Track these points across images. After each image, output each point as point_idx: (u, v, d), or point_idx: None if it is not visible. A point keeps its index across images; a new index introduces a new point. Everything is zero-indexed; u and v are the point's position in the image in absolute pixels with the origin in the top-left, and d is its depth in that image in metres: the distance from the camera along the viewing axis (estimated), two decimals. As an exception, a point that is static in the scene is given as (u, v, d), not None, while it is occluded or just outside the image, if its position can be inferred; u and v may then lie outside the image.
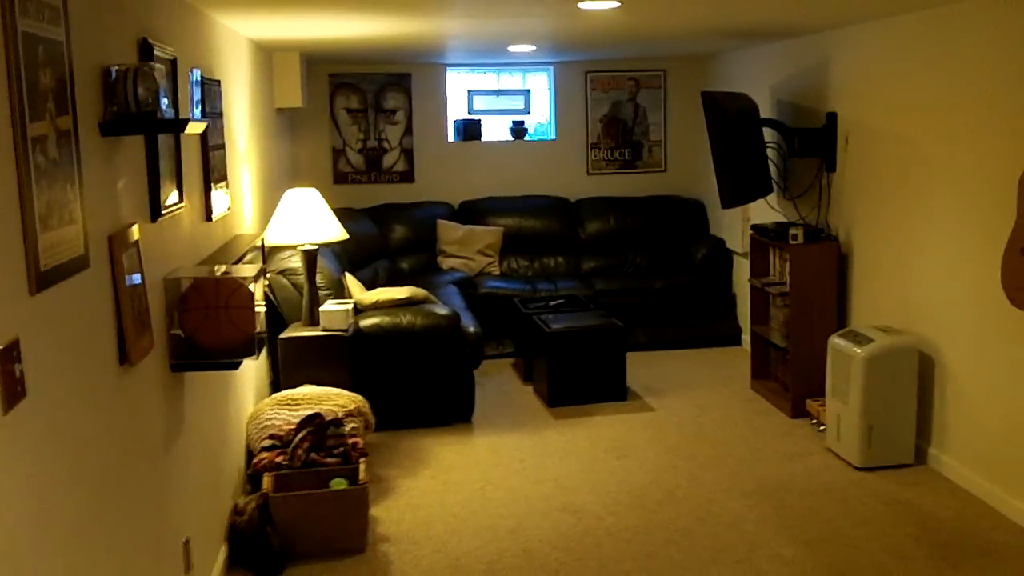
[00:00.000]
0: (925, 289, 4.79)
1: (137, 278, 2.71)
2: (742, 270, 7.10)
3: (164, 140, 3.14)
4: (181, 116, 3.33)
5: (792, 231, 5.55)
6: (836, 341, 4.93)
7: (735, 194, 5.92)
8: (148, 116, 2.60)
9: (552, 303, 6.60)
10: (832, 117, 5.62)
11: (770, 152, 6.20)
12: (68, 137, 2.23)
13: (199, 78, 3.72)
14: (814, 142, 5.71)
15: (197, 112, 3.65)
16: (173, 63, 3.29)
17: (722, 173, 5.88)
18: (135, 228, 2.73)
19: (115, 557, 2.43)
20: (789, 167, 6.20)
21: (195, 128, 2.92)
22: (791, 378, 5.56)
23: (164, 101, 2.67)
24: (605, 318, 6.18)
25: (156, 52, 3.05)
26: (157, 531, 2.87)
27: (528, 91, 8.36)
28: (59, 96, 2.18)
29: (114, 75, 2.57)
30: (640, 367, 6.67)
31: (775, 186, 6.22)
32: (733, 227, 7.34)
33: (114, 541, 2.43)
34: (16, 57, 1.93)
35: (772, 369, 6.11)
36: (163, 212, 3.05)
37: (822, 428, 5.22)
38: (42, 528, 1.95)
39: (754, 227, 6.14)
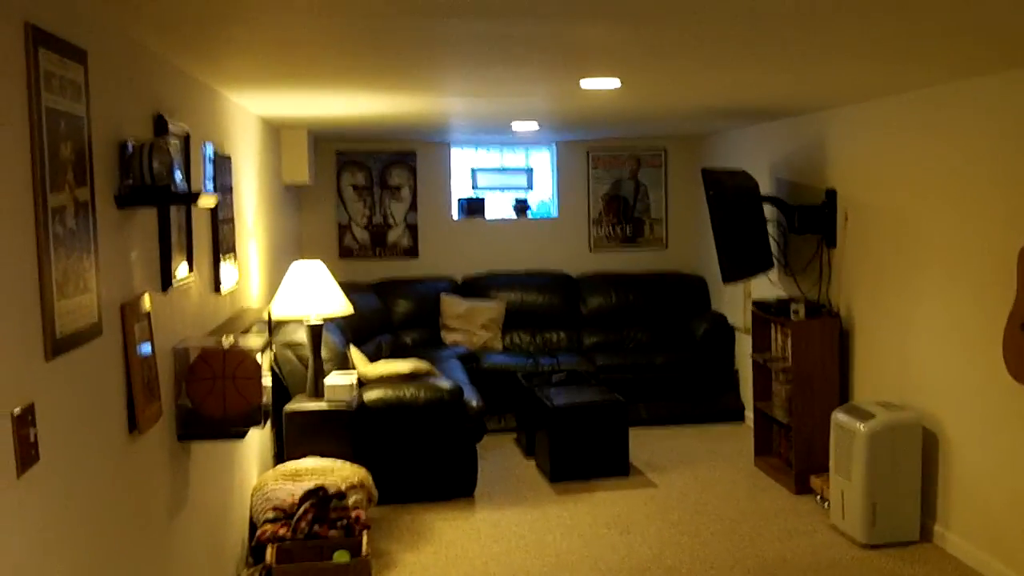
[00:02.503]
0: (926, 364, 4.81)
1: (147, 347, 2.75)
2: (744, 346, 7.12)
3: (176, 213, 3.21)
4: (193, 190, 3.41)
5: (793, 307, 5.59)
6: (839, 416, 4.93)
7: (736, 269, 5.95)
8: (162, 189, 2.67)
9: (554, 378, 6.60)
10: (831, 194, 5.70)
11: (770, 228, 6.26)
12: (86, 208, 2.30)
13: (212, 153, 3.81)
14: (814, 219, 5.78)
15: (209, 186, 3.73)
16: (186, 138, 3.38)
17: (723, 249, 5.92)
18: (146, 298, 2.79)
19: (118, 626, 2.43)
20: (790, 243, 6.26)
21: (207, 202, 2.99)
22: (794, 454, 5.54)
23: (178, 174, 2.75)
24: (607, 393, 6.17)
25: (171, 127, 3.15)
26: (159, 602, 2.86)
27: (531, 169, 8.48)
28: (78, 168, 2.25)
29: (130, 149, 2.65)
30: (642, 442, 6.65)
31: (776, 262, 6.27)
32: (734, 303, 7.38)
33: (117, 610, 2.43)
34: (40, 130, 2.01)
35: (775, 445, 6.09)
36: (173, 283, 3.11)
37: (826, 505, 5.19)
38: (49, 593, 1.96)
39: (755, 303, 6.17)
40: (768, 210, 6.31)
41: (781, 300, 5.95)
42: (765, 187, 6.57)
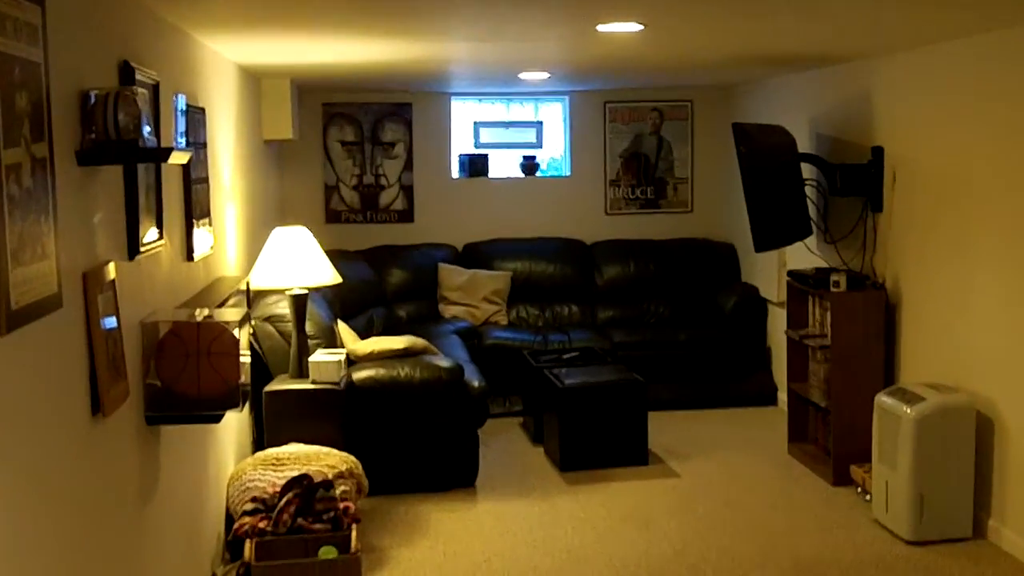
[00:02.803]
0: (982, 342, 4.81)
1: (112, 321, 2.76)
2: (777, 321, 7.12)
3: (144, 171, 3.21)
4: (163, 146, 3.41)
5: (834, 278, 5.59)
6: (883, 400, 4.94)
7: (769, 237, 5.95)
8: (129, 144, 2.66)
9: (565, 356, 6.63)
10: (878, 152, 5.68)
11: (809, 190, 6.25)
12: (44, 165, 2.29)
13: (184, 105, 3.80)
14: (858, 179, 5.76)
15: (181, 142, 3.73)
16: (155, 88, 3.38)
17: (755, 213, 5.92)
18: (111, 266, 2.79)
19: (82, 628, 2.46)
20: (830, 207, 6.25)
21: (179, 158, 2.99)
22: (833, 441, 5.56)
23: (146, 128, 2.74)
24: (624, 373, 6.20)
25: (138, 76, 3.14)
26: (127, 602, 2.89)
27: (540, 123, 8.46)
28: (35, 121, 2.25)
29: (93, 100, 2.64)
30: (663, 428, 6.66)
31: (814, 228, 6.26)
32: (767, 273, 7.38)
33: (81, 610, 2.46)
34: (-8, 78, 2.00)
35: (811, 431, 6.11)
36: (141, 250, 3.12)
37: (868, 497, 5.21)
38: (6, 591, 1.98)
39: (791, 273, 6.18)
40: (806, 170, 6.28)
41: (820, 270, 5.95)
42: (803, 144, 6.55)
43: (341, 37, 4.50)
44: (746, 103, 7.86)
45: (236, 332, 3.23)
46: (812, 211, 6.31)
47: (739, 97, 8.03)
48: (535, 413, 6.50)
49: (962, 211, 4.93)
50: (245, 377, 3.40)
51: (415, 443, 5.46)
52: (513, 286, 7.79)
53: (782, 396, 7.04)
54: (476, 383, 5.65)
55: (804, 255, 6.50)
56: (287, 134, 6.57)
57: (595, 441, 5.93)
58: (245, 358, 3.46)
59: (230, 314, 3.47)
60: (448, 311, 7.61)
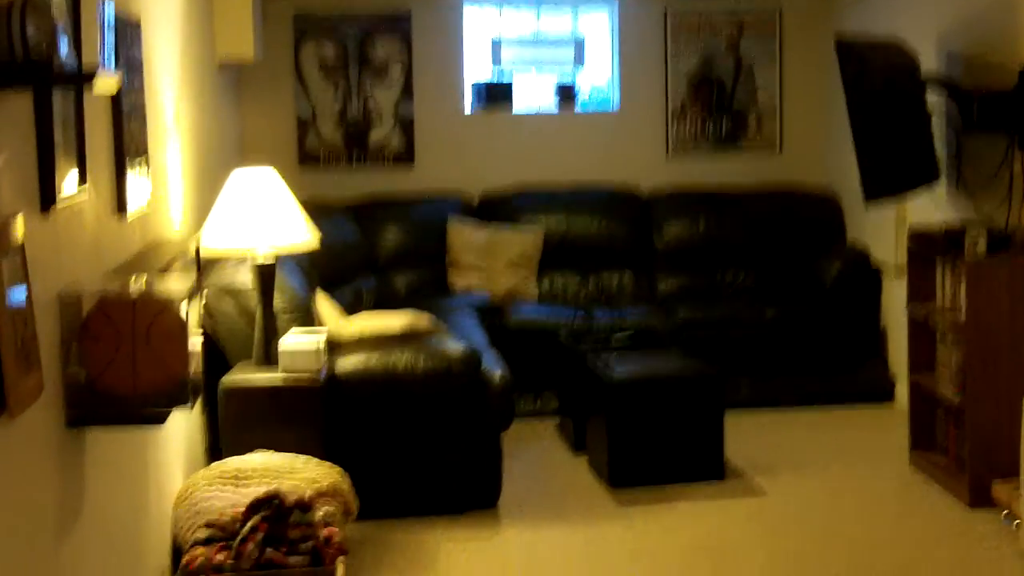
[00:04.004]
0: None
1: (21, 293, 2.76)
2: (895, 294, 7.08)
3: (61, 101, 3.19)
4: (86, 67, 3.40)
5: (970, 237, 5.54)
6: (1034, 396, 4.91)
7: (884, 183, 5.93)
8: (41, 66, 2.67)
9: (614, 339, 6.63)
10: (1029, 74, 5.63)
11: (936, 125, 6.20)
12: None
13: (113, 17, 3.79)
14: (1001, 110, 5.71)
15: (109, 63, 3.72)
16: (75, -8, 3.37)
17: (865, 153, 5.89)
18: (18, 221, 2.78)
19: None
20: (964, 146, 6.20)
21: (106, 84, 2.98)
22: (968, 450, 5.53)
23: (63, 45, 2.74)
24: (692, 362, 6.19)
25: (51, -25, 3.13)
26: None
27: (581, 39, 8.41)
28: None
29: (-8, 9, 2.64)
30: (744, 432, 6.63)
31: (943, 173, 6.22)
32: (882, 232, 7.34)
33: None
34: None
35: (940, 437, 6.07)
36: (58, 201, 3.11)
37: (1016, 524, 5.18)
38: None
39: (913, 232, 6.14)
40: (933, 98, 6.23)
41: (951, 228, 5.90)
42: (929, 64, 6.49)
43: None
44: (853, 11, 7.78)
45: (183, 309, 3.22)
46: (940, 151, 6.26)
47: (844, 3, 7.94)
48: (575, 414, 6.50)
49: None
50: (195, 367, 3.40)
51: (418, 452, 5.46)
52: (545, 249, 7.78)
53: (901, 391, 7.01)
54: (498, 375, 5.63)
55: (930, 208, 6.44)
56: (247, 54, 6.56)
57: (655, 450, 5.93)
58: (195, 342, 3.45)
59: (175, 285, 3.47)
60: (460, 281, 7.61)
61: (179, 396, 3.17)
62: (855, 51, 5.90)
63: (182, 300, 3.24)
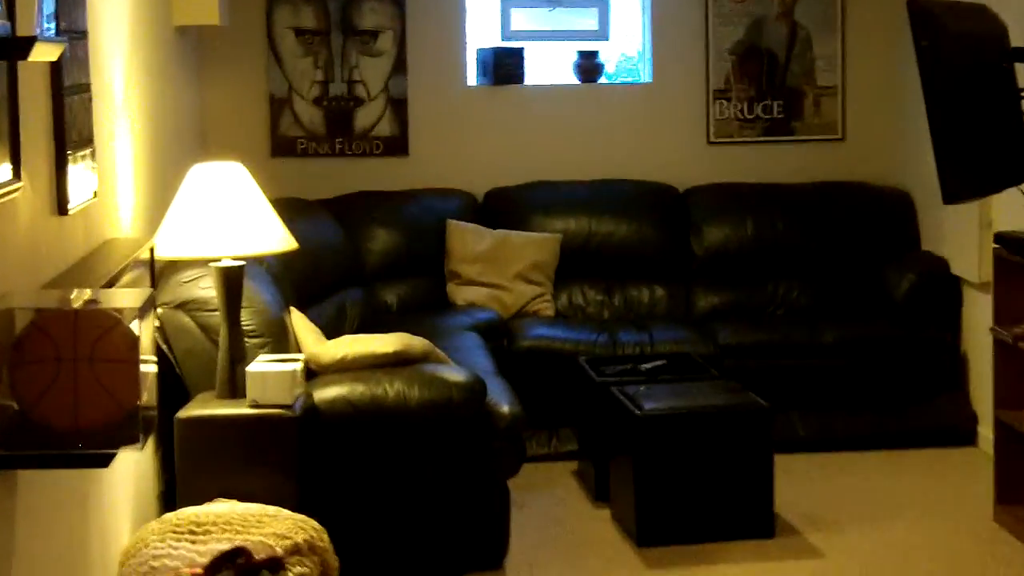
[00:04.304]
0: None
1: (-60, 307, 2.73)
2: (978, 312, 7.06)
3: (-11, 74, 3.18)
4: (20, 34, 3.37)
5: (1069, 245, 5.53)
6: None
7: (966, 180, 5.89)
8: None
9: (645, 367, 6.59)
10: None
11: (1029, 107, 6.19)
12: None
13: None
14: (1107, 91, 5.70)
15: (49, 28, 3.69)
16: (7, -57, 3.34)
17: (944, 144, 5.86)
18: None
19: None
20: (1063, 134, 6.18)
21: (45, 53, 2.95)
22: (1067, 503, 5.51)
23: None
24: (736, 394, 6.15)
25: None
26: None
27: (605, 2, 8.40)
28: None
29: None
30: (798, 479, 6.63)
31: (1038, 167, 6.20)
32: (963, 237, 7.31)
33: None
34: None
35: (1032, 487, 6.06)
36: (-15, 196, 3.09)
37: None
38: None
39: (1000, 237, 6.12)
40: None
41: (1047, 234, 5.88)
42: (1020, 35, 6.47)
43: None
44: (930, -30, 7.76)
45: (135, 326, 3.19)
46: (1034, 140, 6.24)
47: (919, -39, 7.93)
48: (598, 455, 6.48)
49: None
50: (148, 396, 3.36)
51: (411, 501, 5.42)
52: (563, 257, 7.76)
53: (985, 431, 6.99)
54: (506, 408, 5.61)
55: (1022, 209, 6.42)
56: (211, 17, 6.52)
57: (691, 500, 5.91)
58: (148, 366, 3.42)
59: (125, 298, 3.44)
60: (462, 295, 7.60)
61: (128, 432, 3.12)
62: (932, 17, 5.85)
63: (133, 315, 3.19)
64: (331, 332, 6.28)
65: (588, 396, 6.59)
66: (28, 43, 2.76)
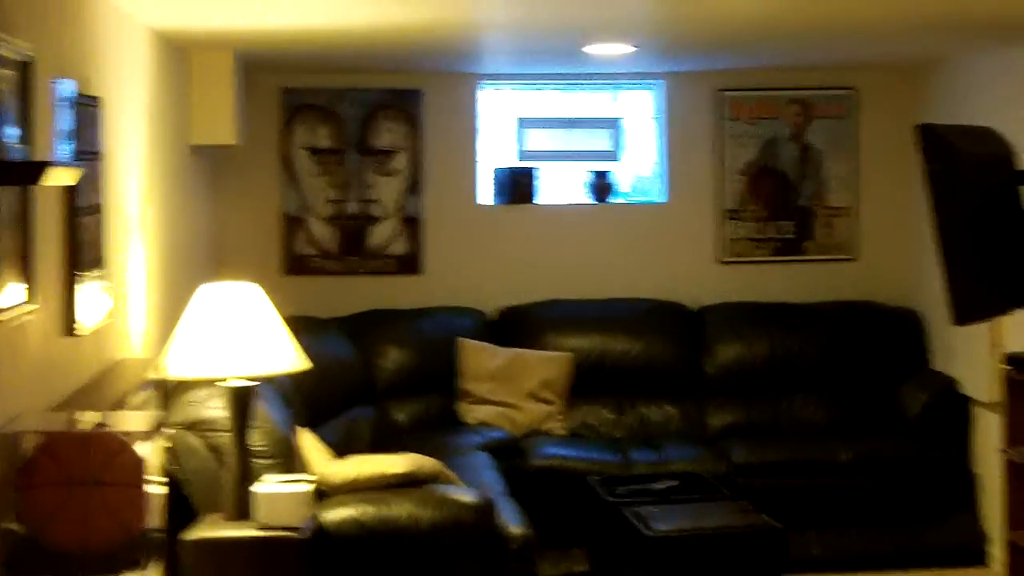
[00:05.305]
0: None
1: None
2: (989, 432, 7.03)
3: (5, 195, 3.20)
4: (37, 157, 3.41)
5: (1081, 367, 5.52)
6: None
7: (976, 301, 5.88)
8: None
9: (657, 486, 6.57)
10: None
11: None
12: None
13: (72, 94, 3.80)
14: (1118, 212, 5.71)
15: (66, 150, 3.72)
16: (24, 68, 3.38)
17: (953, 265, 5.86)
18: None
19: None
20: (1074, 255, 6.18)
21: (61, 177, 2.97)
22: (1083, 628, 5.46)
23: (9, 130, 2.74)
24: (750, 515, 6.14)
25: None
26: None
27: (618, 121, 8.46)
28: None
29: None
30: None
31: (1049, 288, 6.20)
32: (973, 357, 7.30)
33: None
34: None
35: (1049, 611, 6.01)
36: (-3, 317, 3.11)
37: None
38: None
39: (1012, 357, 6.12)
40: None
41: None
42: (1027, 155, 6.51)
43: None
44: (938, 92, 7.82)
45: (143, 449, 3.19)
46: (1045, 261, 6.24)
47: (929, 83, 7.99)
48: (610, 575, 6.40)
49: None
50: (156, 519, 3.36)
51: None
52: (576, 375, 7.75)
53: (996, 552, 6.93)
54: (517, 529, 5.58)
55: (1032, 331, 6.42)
56: (228, 137, 6.61)
57: (704, 622, 5.86)
58: (156, 488, 3.42)
59: (135, 420, 3.44)
60: (473, 414, 7.59)
61: (133, 556, 3.12)
62: (941, 140, 5.87)
63: (142, 439, 3.20)
64: (342, 450, 6.27)
65: (599, 516, 6.56)
66: (42, 168, 2.77)
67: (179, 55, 6.24)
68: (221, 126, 6.54)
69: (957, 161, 5.85)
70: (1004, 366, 6.17)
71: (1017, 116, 6.69)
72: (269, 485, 5.01)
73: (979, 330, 6.97)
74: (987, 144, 6.05)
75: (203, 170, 7.18)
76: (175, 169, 6.08)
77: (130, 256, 4.90)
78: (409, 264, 8.09)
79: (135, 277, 4.98)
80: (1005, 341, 6.74)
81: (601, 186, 8.27)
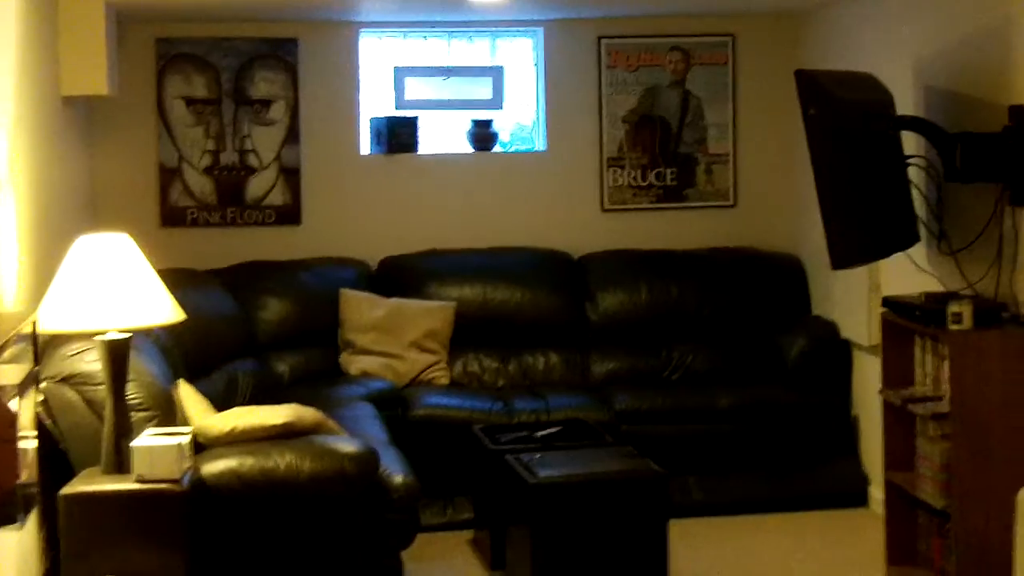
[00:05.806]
0: None
1: None
2: (868, 375, 7.13)
3: None
4: None
5: (954, 308, 5.57)
6: (1033, 499, 4.93)
7: (854, 246, 5.94)
8: None
9: (540, 434, 6.59)
10: (1021, 115, 5.69)
11: (914, 174, 6.26)
12: None
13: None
14: (990, 157, 5.75)
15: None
16: None
17: (832, 210, 5.91)
18: None
19: None
20: (947, 199, 6.24)
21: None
22: (956, 561, 5.54)
23: None
24: (632, 460, 6.16)
25: None
26: None
27: (499, 70, 8.45)
28: None
29: None
30: (693, 543, 6.64)
31: (923, 232, 6.27)
32: (852, 302, 7.39)
33: None
34: None
35: (922, 547, 6.09)
36: None
37: (1011, 651, 5.20)
38: None
39: (888, 302, 6.18)
40: (910, 142, 6.30)
41: (932, 297, 5.95)
42: (905, 103, 6.57)
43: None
44: (816, 39, 7.88)
45: (14, 403, 3.17)
46: (920, 207, 6.31)
47: (806, 30, 8.05)
48: (493, 524, 6.47)
49: None
50: (29, 474, 3.34)
51: (303, 574, 5.35)
52: (458, 325, 7.77)
53: (876, 493, 7.04)
54: (399, 478, 5.58)
55: (908, 274, 6.49)
56: (100, 87, 6.52)
57: (587, 566, 5.88)
58: (29, 443, 3.39)
59: (6, 374, 3.41)
60: (356, 364, 7.58)
61: (7, 512, 3.10)
62: (820, 86, 5.91)
63: (13, 392, 3.18)
64: (222, 404, 6.24)
65: (483, 464, 6.58)
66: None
67: (47, 3, 6.14)
68: (93, 77, 6.45)
69: (835, 107, 5.89)
70: (882, 308, 6.24)
71: (894, 60, 6.77)
72: (146, 438, 4.98)
73: (858, 275, 7.08)
74: (867, 90, 6.10)
75: (76, 121, 7.08)
76: (46, 121, 5.99)
77: (0, 208, 4.82)
78: (289, 215, 8.06)
79: (5, 231, 4.91)
80: (884, 285, 6.82)
81: (482, 135, 8.26)
